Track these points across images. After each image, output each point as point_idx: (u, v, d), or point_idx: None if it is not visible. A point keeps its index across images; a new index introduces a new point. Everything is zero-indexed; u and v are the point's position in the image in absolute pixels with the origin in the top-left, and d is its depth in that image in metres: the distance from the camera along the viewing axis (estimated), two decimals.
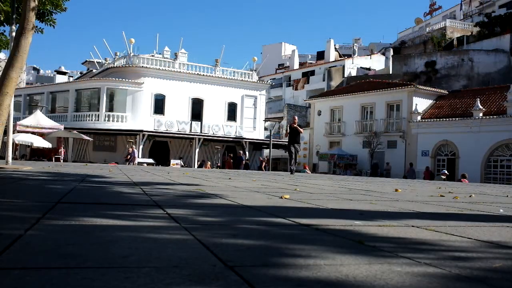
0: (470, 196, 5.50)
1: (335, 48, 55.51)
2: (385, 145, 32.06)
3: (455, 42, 45.73)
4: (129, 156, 23.75)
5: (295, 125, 13.77)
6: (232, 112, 33.70)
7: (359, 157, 33.13)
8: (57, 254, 1.35)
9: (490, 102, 29.12)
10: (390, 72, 43.36)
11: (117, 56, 33.89)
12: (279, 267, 1.32)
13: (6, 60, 8.05)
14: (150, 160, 26.37)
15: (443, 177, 20.76)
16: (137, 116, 30.65)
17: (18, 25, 7.78)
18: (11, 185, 4.12)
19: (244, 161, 26.84)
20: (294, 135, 13.72)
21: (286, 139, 14.09)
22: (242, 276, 1.18)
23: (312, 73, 50.54)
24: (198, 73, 32.65)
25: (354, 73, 47.08)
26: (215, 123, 32.65)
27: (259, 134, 34.39)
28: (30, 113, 28.01)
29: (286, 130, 14.40)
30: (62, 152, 26.02)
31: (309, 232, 2.04)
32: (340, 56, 53.61)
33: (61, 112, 32.76)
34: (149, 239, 1.67)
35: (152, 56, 34.19)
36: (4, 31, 10.66)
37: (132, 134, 29.01)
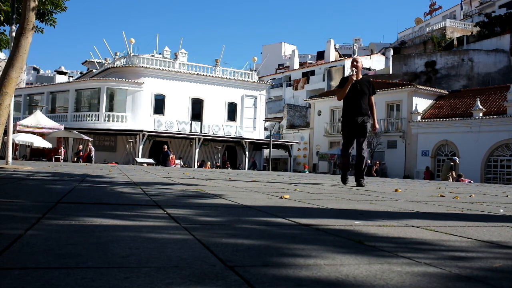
0: (470, 196, 5.50)
1: (335, 48, 55.53)
2: (385, 145, 32.06)
3: (455, 42, 45.73)
4: (81, 153, 24.15)
5: (360, 77, 6.76)
6: (232, 112, 33.71)
7: None
8: (57, 254, 1.35)
9: (490, 102, 29.13)
10: (390, 72, 43.37)
11: (117, 56, 33.91)
12: (279, 267, 1.32)
13: (6, 60, 8.05)
14: (150, 160, 26.38)
15: (452, 163, 20.17)
16: (137, 116, 30.66)
17: (18, 25, 7.78)
18: (11, 185, 4.12)
19: (170, 157, 24.41)
20: (360, 95, 6.62)
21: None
22: (242, 276, 1.18)
23: (312, 73, 50.55)
24: (198, 73, 32.65)
25: None
26: (215, 123, 32.66)
27: (259, 134, 34.39)
28: (30, 113, 28.02)
29: (339, 85, 6.92)
30: (62, 152, 26.03)
31: (309, 232, 2.04)
32: (340, 56, 53.63)
33: (61, 112, 32.77)
34: (149, 239, 1.67)
35: (152, 56, 34.21)
36: (5, 30, 10.67)
37: (132, 134, 29.02)
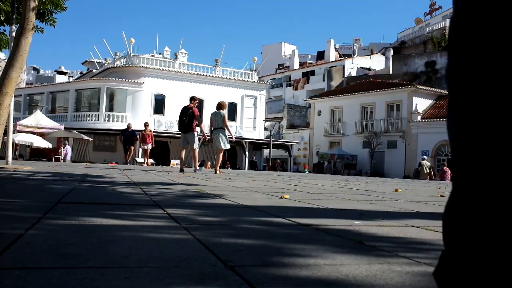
0: None
1: (335, 48, 55.48)
2: (385, 145, 32.04)
3: None
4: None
5: None
6: (232, 112, 33.68)
7: (359, 157, 33.11)
8: (58, 254, 1.35)
9: None
10: (390, 72, 43.33)
11: (117, 56, 33.88)
12: (279, 267, 1.32)
13: (6, 60, 8.05)
14: (151, 160, 26.36)
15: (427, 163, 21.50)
16: (137, 116, 30.63)
17: (18, 25, 7.78)
18: (11, 185, 4.12)
19: (137, 137, 19.47)
20: None
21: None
22: (242, 276, 1.18)
23: (312, 73, 50.51)
24: (198, 73, 32.64)
25: (354, 73, 47.07)
26: None
27: (259, 134, 34.37)
28: (30, 113, 27.99)
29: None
30: (62, 152, 26.02)
31: (309, 232, 2.04)
32: (340, 56, 53.59)
33: (61, 112, 32.75)
34: (149, 239, 1.67)
35: (152, 56, 34.18)
36: (5, 30, 10.66)
37: None
